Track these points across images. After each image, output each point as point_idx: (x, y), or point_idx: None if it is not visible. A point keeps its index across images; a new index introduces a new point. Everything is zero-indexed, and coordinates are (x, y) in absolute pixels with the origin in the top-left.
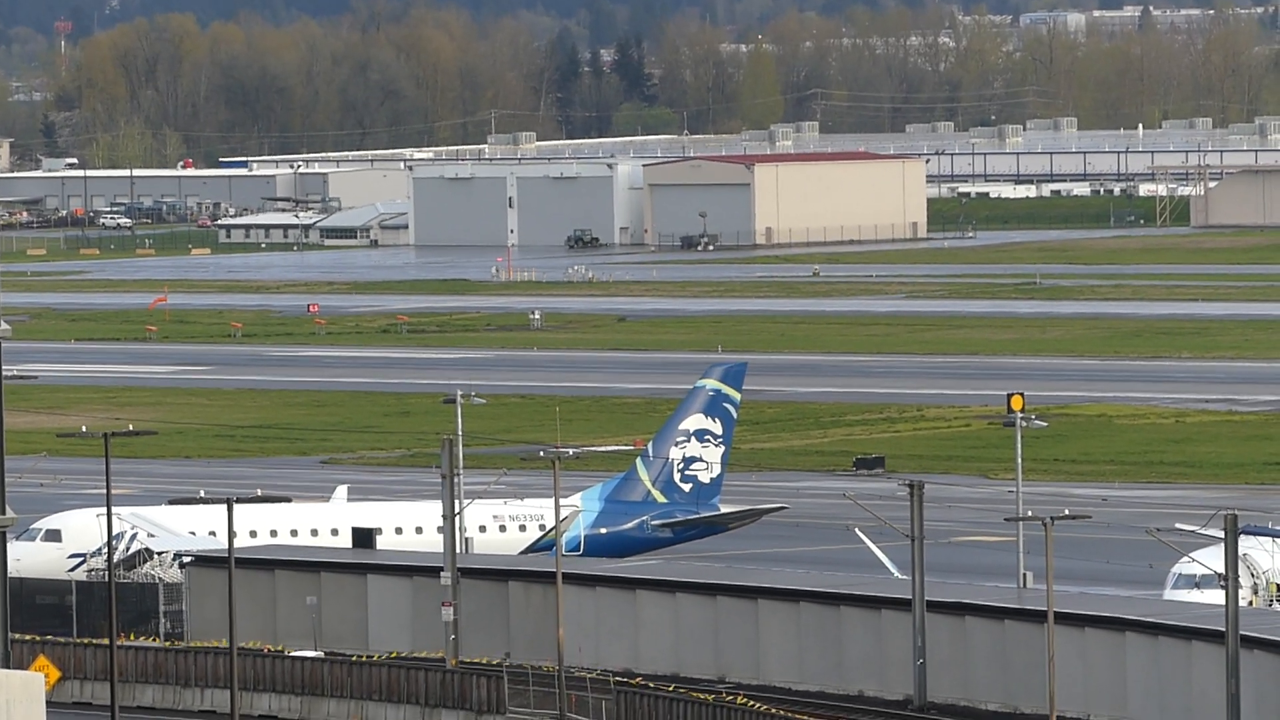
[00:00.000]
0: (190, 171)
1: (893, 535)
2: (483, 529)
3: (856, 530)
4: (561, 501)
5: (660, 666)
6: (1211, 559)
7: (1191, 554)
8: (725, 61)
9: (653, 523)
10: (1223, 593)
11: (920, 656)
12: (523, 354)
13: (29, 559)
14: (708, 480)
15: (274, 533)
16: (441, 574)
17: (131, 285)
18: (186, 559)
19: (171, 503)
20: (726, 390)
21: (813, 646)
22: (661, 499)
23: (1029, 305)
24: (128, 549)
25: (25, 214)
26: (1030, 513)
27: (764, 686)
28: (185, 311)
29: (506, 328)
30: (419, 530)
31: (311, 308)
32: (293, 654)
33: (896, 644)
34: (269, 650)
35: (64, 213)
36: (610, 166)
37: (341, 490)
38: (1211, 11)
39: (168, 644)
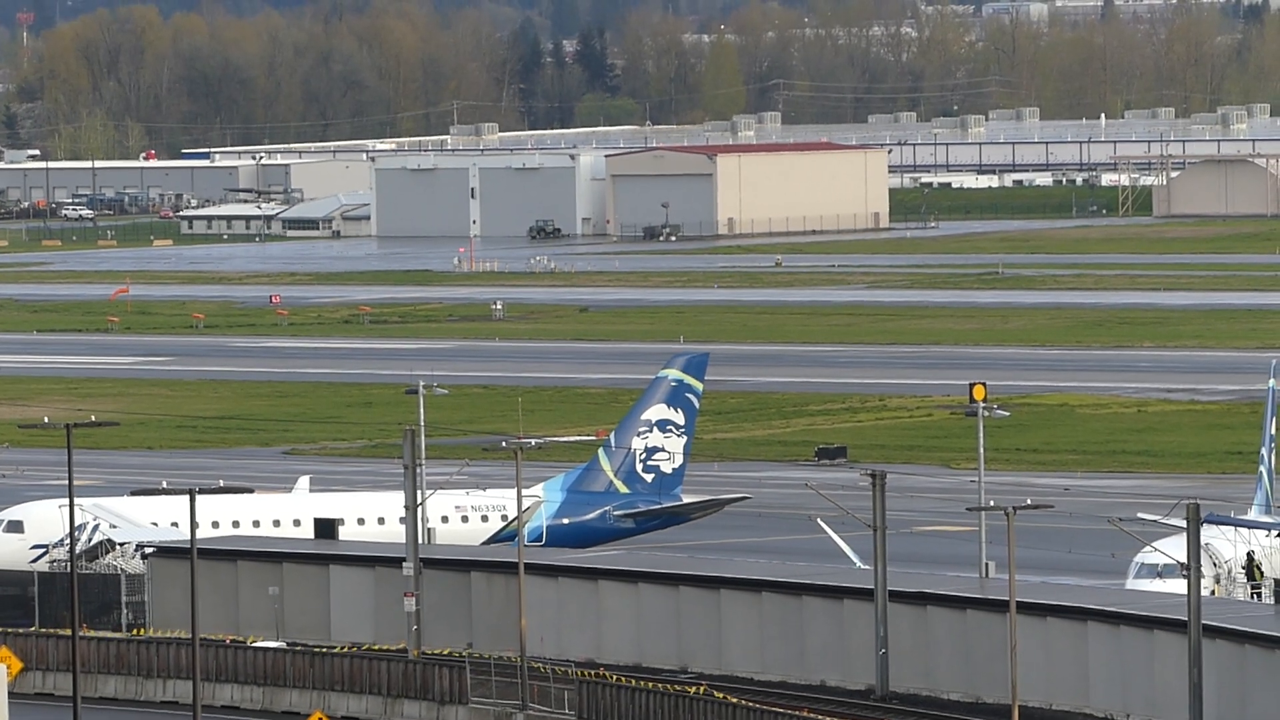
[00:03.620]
0: (152, 163)
1: (855, 525)
2: (445, 519)
3: (819, 520)
4: (524, 492)
5: (622, 657)
6: (1174, 548)
7: (1154, 543)
8: (688, 52)
9: (615, 513)
10: (1185, 582)
11: (882, 646)
12: (485, 344)
13: None
14: (670, 470)
15: (236, 523)
16: (404, 564)
17: (93, 276)
18: (148, 550)
19: (134, 494)
20: (689, 380)
21: (775, 636)
22: (624, 489)
23: (991, 295)
24: (90, 540)
25: None
26: (992, 502)
27: (726, 676)
28: (147, 303)
29: (469, 318)
30: (381, 521)
31: (273, 299)
32: (255, 645)
33: (858, 634)
34: (231, 641)
35: (26, 204)
36: (572, 157)
37: (304, 481)
38: (1174, 1)
39: (130, 635)
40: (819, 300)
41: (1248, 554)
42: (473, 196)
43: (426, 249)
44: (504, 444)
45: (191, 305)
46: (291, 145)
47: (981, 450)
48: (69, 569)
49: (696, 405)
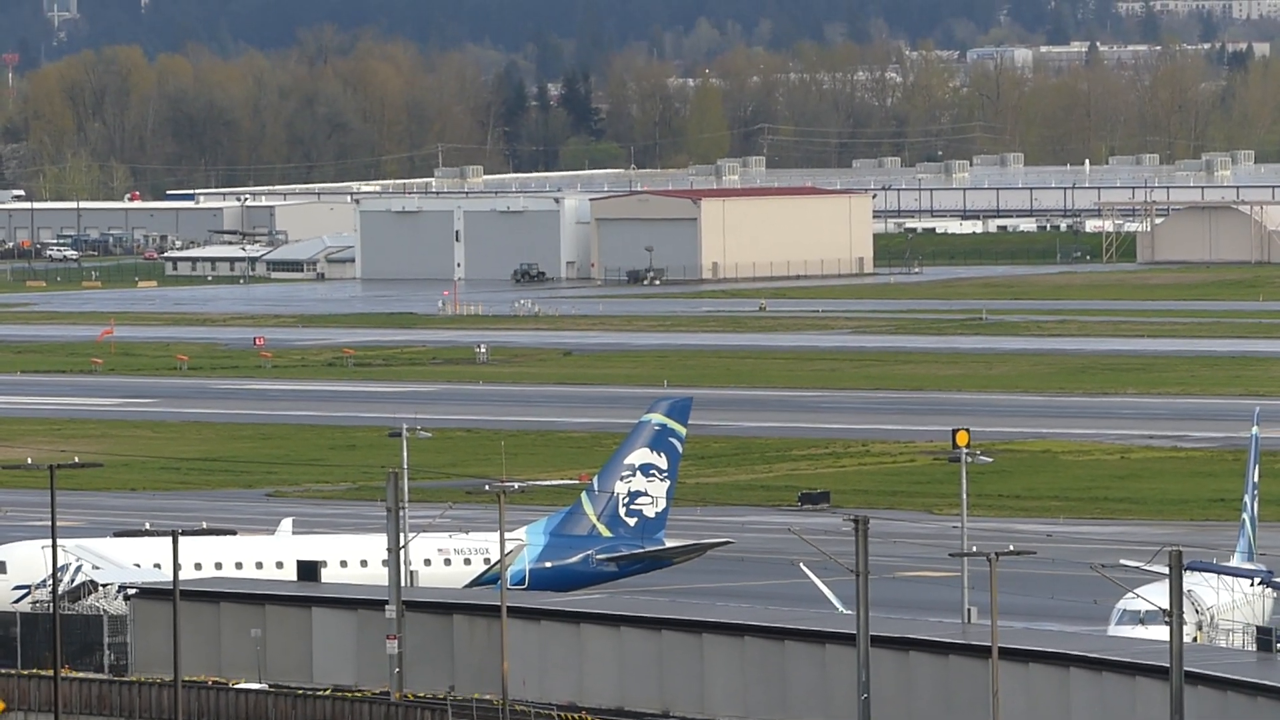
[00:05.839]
0: (137, 204)
1: (837, 570)
2: (428, 562)
3: (801, 565)
4: (506, 535)
5: (605, 700)
6: (1156, 595)
7: (1136, 590)
8: (672, 96)
9: (598, 557)
10: (1167, 629)
11: (864, 691)
12: (469, 388)
13: None
14: (653, 515)
15: (219, 565)
16: (386, 607)
17: (78, 318)
18: (131, 591)
19: (117, 535)
20: (672, 425)
21: (757, 681)
22: (607, 533)
23: (975, 341)
24: (72, 581)
25: None
26: (975, 548)
27: None
28: (131, 344)
29: (452, 361)
30: (364, 563)
31: (258, 340)
32: (237, 687)
33: (841, 679)
34: (213, 683)
35: (10, 245)
36: (557, 200)
37: (287, 523)
38: (1158, 48)
39: (112, 676)
40: (803, 345)
41: None
42: (457, 239)
43: (411, 291)
44: (487, 487)
45: (175, 347)
46: (276, 187)
47: (964, 496)
48: (51, 610)
49: (680, 449)
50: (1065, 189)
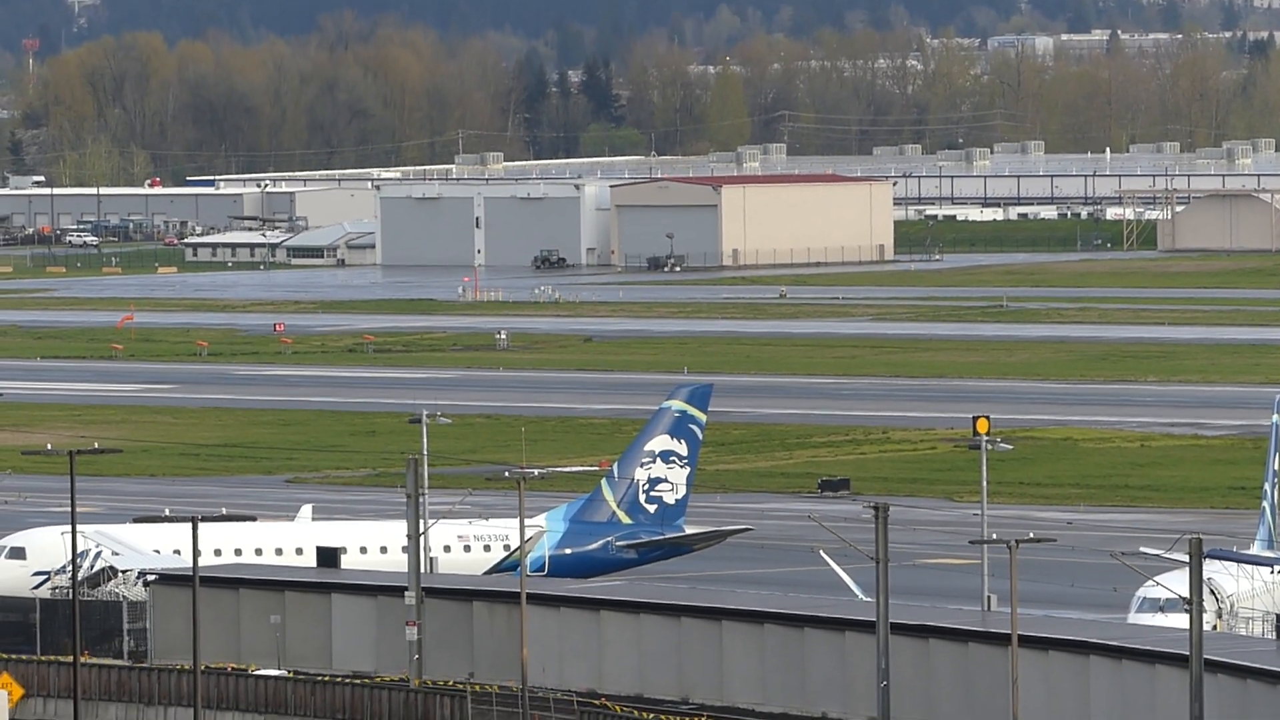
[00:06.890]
0: (157, 190)
1: (857, 557)
2: (447, 549)
3: (821, 552)
4: (526, 522)
5: (624, 687)
6: (1176, 583)
7: (1156, 578)
8: (693, 83)
9: (617, 543)
10: (1187, 617)
11: (884, 678)
12: (489, 374)
13: None
14: (673, 501)
15: (238, 551)
16: (406, 594)
17: (98, 303)
18: (151, 577)
19: (136, 521)
20: (692, 411)
21: (776, 668)
22: (626, 520)
23: (995, 328)
24: (92, 567)
25: None
26: (995, 535)
27: (727, 707)
28: (151, 330)
29: (473, 348)
30: (383, 550)
31: (277, 327)
32: (256, 673)
33: (860, 666)
34: (232, 669)
35: (31, 230)
36: (577, 187)
37: (306, 509)
38: (1179, 36)
39: (131, 662)
40: (823, 332)
41: None
42: (477, 226)
43: (431, 278)
44: (507, 474)
45: (195, 333)
46: (296, 173)
47: (984, 483)
48: (71, 596)
49: (700, 436)
50: (1086, 177)
